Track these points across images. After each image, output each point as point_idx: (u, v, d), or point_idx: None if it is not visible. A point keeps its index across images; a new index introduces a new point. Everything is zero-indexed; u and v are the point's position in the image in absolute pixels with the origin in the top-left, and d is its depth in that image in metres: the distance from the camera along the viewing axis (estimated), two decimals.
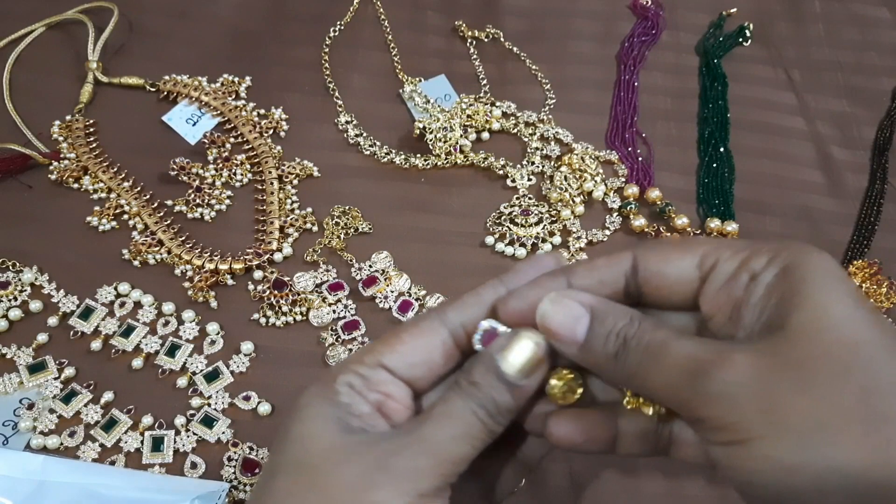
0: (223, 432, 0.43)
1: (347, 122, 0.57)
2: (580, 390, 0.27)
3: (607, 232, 0.53)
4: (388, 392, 0.26)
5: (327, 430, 0.25)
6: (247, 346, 0.46)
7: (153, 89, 0.58)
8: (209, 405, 0.44)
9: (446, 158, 0.55)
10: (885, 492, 0.20)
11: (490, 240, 0.52)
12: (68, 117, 0.56)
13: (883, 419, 0.20)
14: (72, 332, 0.46)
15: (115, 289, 0.48)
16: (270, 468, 0.26)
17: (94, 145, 0.55)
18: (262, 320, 0.47)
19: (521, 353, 0.26)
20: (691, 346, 0.23)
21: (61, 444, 0.42)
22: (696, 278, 0.25)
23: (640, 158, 0.57)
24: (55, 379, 0.44)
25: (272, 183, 0.53)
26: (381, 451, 0.24)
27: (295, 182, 0.54)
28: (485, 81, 0.61)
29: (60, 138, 0.54)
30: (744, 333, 0.24)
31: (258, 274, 0.49)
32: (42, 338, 0.46)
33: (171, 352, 0.46)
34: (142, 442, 0.43)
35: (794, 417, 0.21)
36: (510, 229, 0.52)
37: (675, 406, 0.24)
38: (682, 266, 0.26)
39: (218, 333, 0.47)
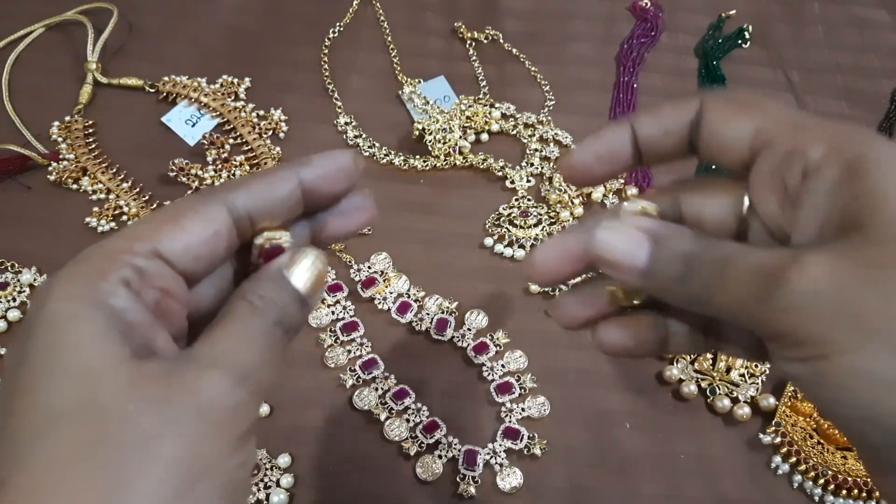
0: None
1: (346, 124, 0.57)
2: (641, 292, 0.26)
3: None
4: (167, 288, 0.22)
5: (117, 358, 0.19)
6: None
7: (152, 90, 0.58)
8: None
9: (445, 160, 0.55)
10: None
11: (489, 241, 0.52)
12: (67, 118, 0.56)
13: None
14: None
15: None
16: (39, 410, 0.19)
17: (93, 146, 0.55)
18: None
19: (311, 268, 0.24)
20: (761, 255, 0.21)
21: None
22: (748, 150, 0.23)
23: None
24: None
25: None
26: (190, 388, 0.20)
27: None
28: (484, 83, 0.61)
29: (59, 139, 0.54)
30: (804, 234, 0.22)
31: None
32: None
33: None
34: None
35: (889, 325, 0.18)
36: (509, 231, 0.52)
37: (748, 323, 0.22)
38: (737, 132, 0.23)
39: None
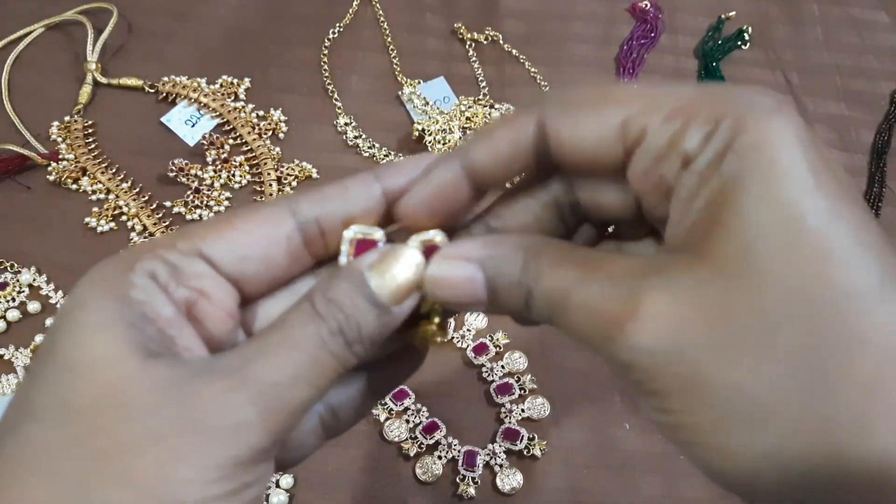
0: None
1: (346, 124, 0.57)
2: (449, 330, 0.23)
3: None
4: (204, 289, 0.20)
5: (113, 351, 0.17)
6: None
7: (152, 90, 0.57)
8: None
9: None
10: (830, 482, 0.16)
11: None
12: (67, 118, 0.55)
13: (822, 390, 0.16)
14: None
15: None
16: (24, 403, 0.18)
17: (92, 146, 0.54)
18: None
19: (402, 271, 0.20)
20: (594, 295, 0.18)
21: None
22: (620, 150, 0.19)
23: None
24: None
25: (271, 185, 0.53)
26: (190, 397, 0.17)
27: (294, 184, 0.54)
28: (484, 84, 0.61)
29: (59, 139, 0.54)
30: (673, 235, 0.19)
31: None
32: (40, 339, 0.46)
33: None
34: None
35: (718, 393, 0.16)
36: None
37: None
38: (600, 133, 0.19)
39: None
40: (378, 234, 0.21)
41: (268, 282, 0.21)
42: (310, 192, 0.21)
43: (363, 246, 0.21)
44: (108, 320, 0.18)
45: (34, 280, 0.48)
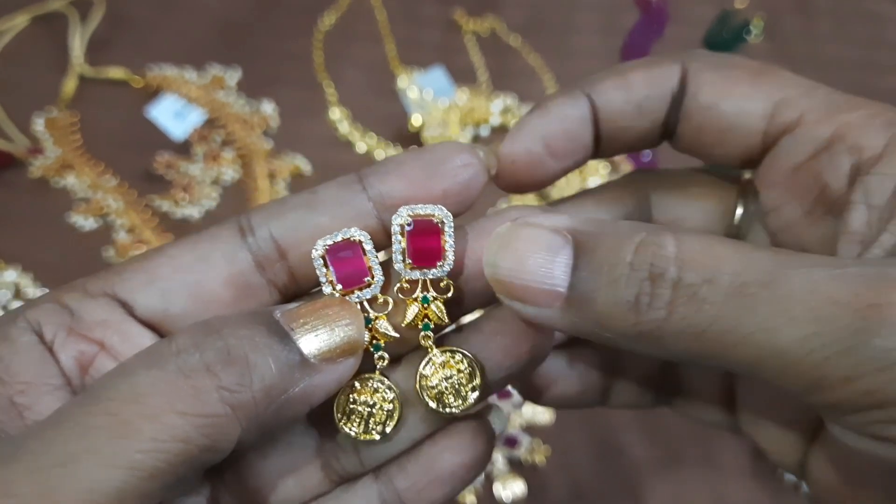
0: None
1: (341, 117, 0.56)
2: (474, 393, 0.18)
3: None
4: (105, 341, 0.16)
5: None
6: None
7: (140, 85, 0.56)
8: None
9: None
10: None
11: None
12: (53, 113, 0.54)
13: None
14: None
15: None
16: None
17: (79, 143, 0.53)
18: None
19: (333, 330, 0.16)
20: (827, 279, 0.13)
21: None
22: (761, 132, 0.17)
23: (644, 155, 0.55)
24: None
25: (262, 181, 0.52)
26: None
27: (287, 179, 0.52)
28: (483, 74, 0.59)
29: (45, 135, 0.52)
30: (851, 254, 0.15)
31: None
32: None
33: None
34: None
35: None
36: None
37: (791, 381, 0.14)
38: (744, 109, 0.17)
39: None
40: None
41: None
42: (266, 204, 0.18)
43: (345, 264, 0.17)
44: None
45: (18, 278, 0.46)
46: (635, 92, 0.18)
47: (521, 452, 0.42)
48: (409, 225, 0.17)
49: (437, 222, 0.17)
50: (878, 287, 0.13)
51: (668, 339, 0.14)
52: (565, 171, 0.18)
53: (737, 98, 0.17)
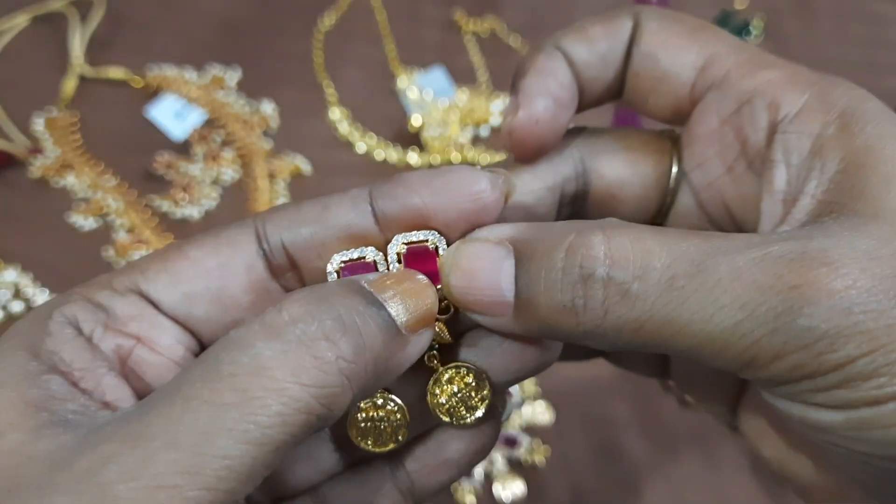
0: None
1: (340, 117, 0.56)
2: (482, 404, 0.18)
3: None
4: (141, 335, 0.17)
5: (10, 416, 0.14)
6: None
7: (140, 85, 0.56)
8: None
9: (441, 155, 0.53)
10: None
11: None
12: (52, 112, 0.54)
13: None
14: None
15: None
16: None
17: (79, 143, 0.53)
18: None
19: (418, 296, 0.16)
20: (749, 263, 0.14)
21: None
22: (691, 85, 0.18)
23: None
24: None
25: (262, 181, 0.52)
26: (99, 467, 0.13)
27: (287, 179, 0.52)
28: (483, 74, 0.59)
29: (44, 134, 0.52)
30: (773, 211, 0.16)
31: None
32: None
33: None
34: None
35: None
36: None
37: (733, 363, 0.15)
38: (680, 59, 0.18)
39: None
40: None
41: (227, 324, 0.18)
42: (280, 211, 0.18)
43: (356, 269, 0.18)
44: (10, 377, 0.15)
45: (17, 278, 0.46)
46: (597, 44, 0.19)
47: (521, 452, 0.42)
48: (404, 252, 0.18)
49: (432, 248, 0.18)
50: (799, 268, 0.14)
51: (610, 336, 0.15)
52: (565, 126, 0.19)
53: (672, 49, 0.18)
